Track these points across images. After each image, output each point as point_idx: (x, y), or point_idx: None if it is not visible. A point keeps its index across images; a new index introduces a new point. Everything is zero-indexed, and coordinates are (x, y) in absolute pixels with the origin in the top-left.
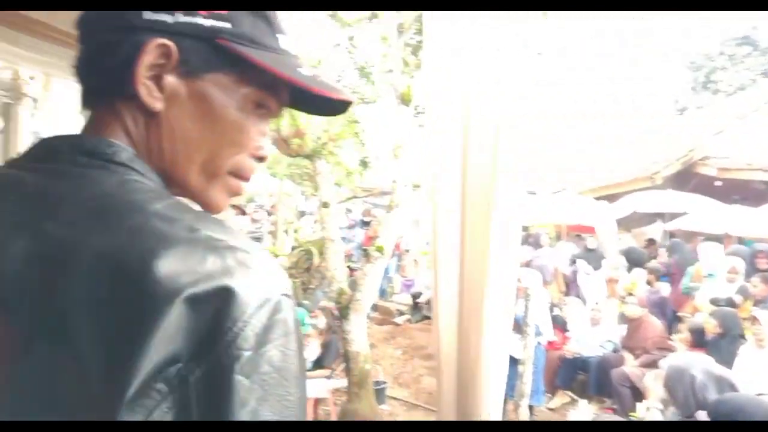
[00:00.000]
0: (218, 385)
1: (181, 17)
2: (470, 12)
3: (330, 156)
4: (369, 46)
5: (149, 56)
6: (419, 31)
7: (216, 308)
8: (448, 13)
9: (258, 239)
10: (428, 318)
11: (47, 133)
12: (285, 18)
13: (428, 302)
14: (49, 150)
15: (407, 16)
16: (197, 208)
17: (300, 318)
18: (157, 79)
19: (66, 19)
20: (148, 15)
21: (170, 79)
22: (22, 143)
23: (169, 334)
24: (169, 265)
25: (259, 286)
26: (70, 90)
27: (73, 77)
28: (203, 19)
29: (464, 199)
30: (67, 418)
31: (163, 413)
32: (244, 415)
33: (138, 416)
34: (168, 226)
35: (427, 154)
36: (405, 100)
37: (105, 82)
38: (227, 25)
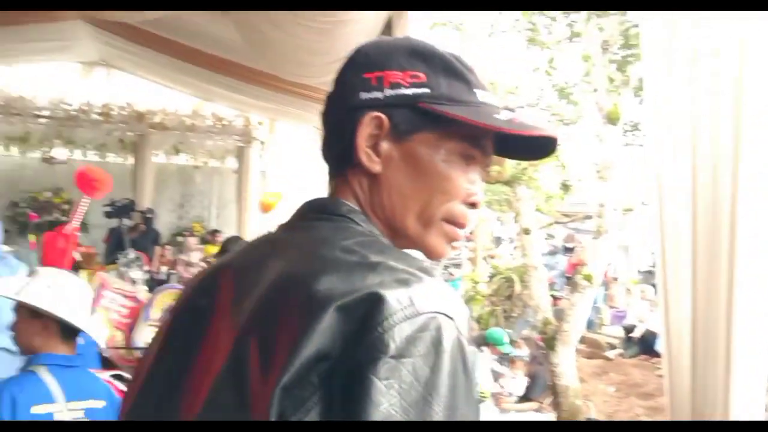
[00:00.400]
0: (355, 383)
1: (388, 92)
2: (690, 13)
3: (530, 181)
4: (569, 67)
5: (367, 128)
6: (624, 46)
7: (364, 312)
8: (667, 18)
9: (457, 266)
10: (644, 354)
11: (273, 171)
12: (484, 45)
13: (643, 336)
14: (298, 211)
15: (612, 31)
16: (418, 255)
17: (497, 339)
18: (375, 147)
19: (288, 71)
20: (364, 95)
21: (385, 145)
22: (253, 181)
23: (322, 334)
24: (328, 282)
25: (412, 300)
26: (293, 133)
27: (295, 122)
28: (406, 89)
29: (695, 222)
30: (247, 406)
31: (312, 405)
32: (376, 416)
33: (291, 404)
34: (345, 255)
35: (646, 173)
36: (612, 119)
37: (337, 156)
38: (427, 91)
